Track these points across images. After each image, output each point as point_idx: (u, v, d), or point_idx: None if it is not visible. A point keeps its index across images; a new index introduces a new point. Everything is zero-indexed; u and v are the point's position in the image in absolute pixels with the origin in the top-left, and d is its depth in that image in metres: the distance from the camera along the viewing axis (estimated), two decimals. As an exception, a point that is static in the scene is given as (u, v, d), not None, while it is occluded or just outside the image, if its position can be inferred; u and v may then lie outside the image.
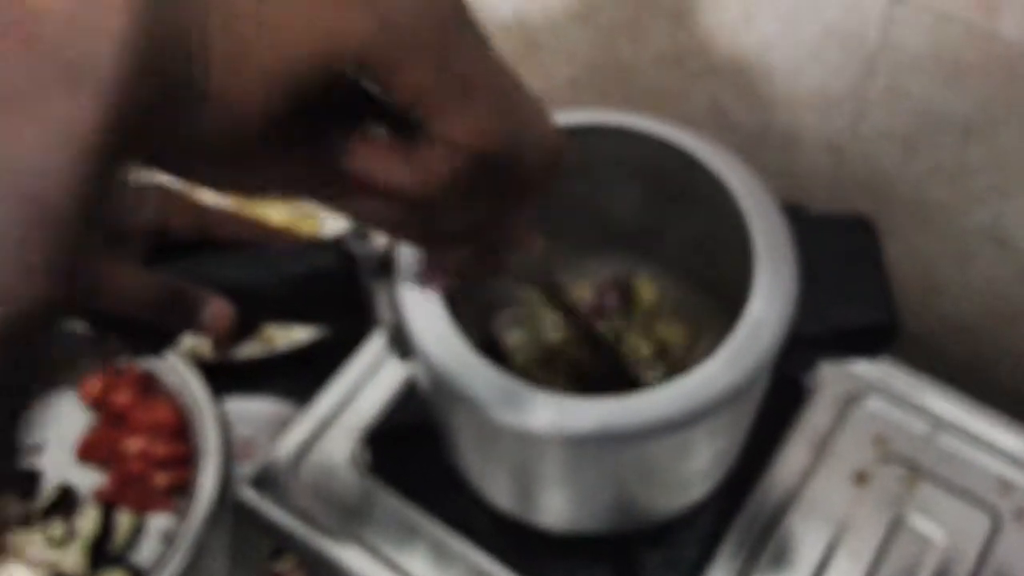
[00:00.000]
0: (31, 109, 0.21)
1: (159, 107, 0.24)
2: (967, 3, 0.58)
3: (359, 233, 0.50)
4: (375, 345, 0.71)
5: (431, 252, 0.34)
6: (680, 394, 0.46)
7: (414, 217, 0.32)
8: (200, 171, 0.30)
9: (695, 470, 0.55)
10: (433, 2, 0.27)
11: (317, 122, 0.29)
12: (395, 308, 0.50)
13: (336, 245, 0.50)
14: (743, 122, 0.75)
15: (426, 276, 0.36)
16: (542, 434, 0.46)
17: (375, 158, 0.29)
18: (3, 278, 0.21)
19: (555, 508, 0.57)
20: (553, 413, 0.46)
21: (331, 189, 0.32)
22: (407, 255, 0.50)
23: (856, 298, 0.50)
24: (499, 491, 0.58)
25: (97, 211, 0.23)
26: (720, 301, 0.59)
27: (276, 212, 0.90)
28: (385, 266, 0.50)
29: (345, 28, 0.25)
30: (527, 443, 0.49)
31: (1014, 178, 0.65)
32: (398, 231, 0.34)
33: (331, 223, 0.90)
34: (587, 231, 0.61)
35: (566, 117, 0.54)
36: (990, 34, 0.59)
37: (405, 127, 0.30)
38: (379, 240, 0.50)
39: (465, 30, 0.28)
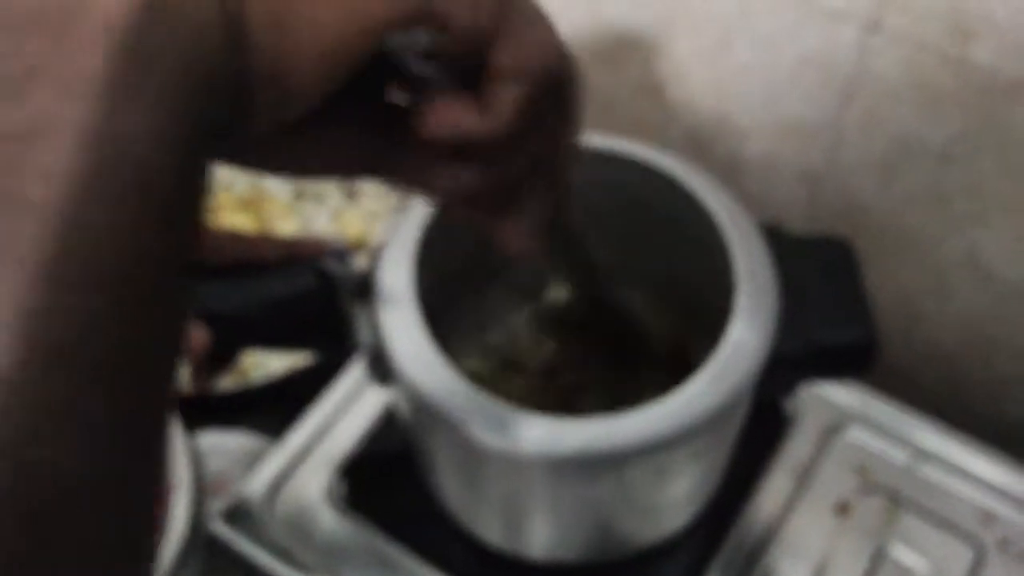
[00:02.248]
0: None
1: (209, 105, 0.24)
2: (942, 31, 0.59)
3: (338, 255, 0.49)
4: (350, 377, 0.70)
5: (513, 205, 0.34)
6: (664, 414, 0.46)
7: (489, 173, 0.32)
8: (263, 157, 0.30)
9: (678, 494, 0.55)
10: None
11: (372, 90, 0.30)
12: (375, 330, 0.49)
13: (314, 267, 0.50)
14: (720, 151, 0.76)
15: (512, 239, 0.35)
16: (527, 456, 0.45)
17: (451, 115, 0.30)
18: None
19: (538, 536, 0.56)
20: (538, 434, 0.45)
21: (398, 162, 0.32)
22: (387, 277, 0.50)
23: (836, 317, 0.50)
24: (481, 520, 0.57)
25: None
26: (697, 323, 0.59)
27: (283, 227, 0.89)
28: (365, 288, 0.50)
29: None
30: (512, 466, 0.48)
31: (991, 205, 0.66)
32: (475, 195, 0.33)
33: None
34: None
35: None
36: (965, 62, 0.60)
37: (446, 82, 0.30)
38: (358, 261, 0.50)
39: None
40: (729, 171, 0.76)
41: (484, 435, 0.45)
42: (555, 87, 0.30)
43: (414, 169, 0.32)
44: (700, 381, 0.47)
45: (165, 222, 0.22)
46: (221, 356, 0.52)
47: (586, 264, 0.54)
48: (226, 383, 0.78)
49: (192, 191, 0.24)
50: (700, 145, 0.76)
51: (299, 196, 0.92)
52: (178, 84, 0.22)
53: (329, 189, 0.91)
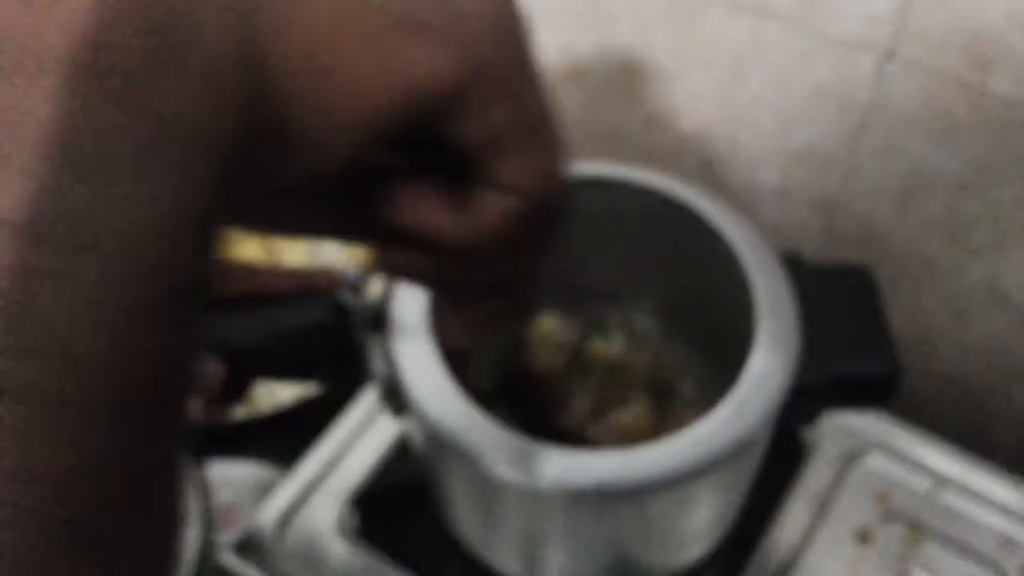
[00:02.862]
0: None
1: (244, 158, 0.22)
2: (958, 60, 0.59)
3: (353, 286, 0.49)
4: (362, 406, 0.70)
5: (460, 304, 0.33)
6: (685, 447, 0.45)
7: (450, 268, 0.29)
8: (254, 218, 0.28)
9: (698, 526, 0.54)
10: (509, 34, 0.25)
11: (376, 167, 0.27)
12: (390, 362, 0.49)
13: (329, 299, 0.49)
14: (734, 180, 0.75)
15: (452, 330, 0.33)
16: (545, 489, 0.45)
17: (426, 208, 0.27)
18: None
19: (555, 567, 0.55)
20: (556, 467, 0.45)
21: (368, 236, 0.30)
22: (402, 308, 0.49)
23: (858, 348, 0.50)
24: (496, 551, 0.57)
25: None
26: (714, 354, 0.58)
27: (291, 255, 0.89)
28: (379, 319, 0.49)
29: (433, 64, 0.23)
30: (529, 499, 0.47)
31: (1009, 233, 0.65)
32: (432, 283, 0.32)
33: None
34: (584, 283, 0.61)
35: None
36: (982, 91, 0.59)
37: (443, 175, 0.28)
38: (373, 293, 0.49)
39: (533, 64, 0.26)
40: (744, 200, 0.75)
41: (501, 468, 0.45)
42: (544, 215, 0.28)
43: (377, 242, 0.30)
44: (721, 413, 0.46)
45: (178, 325, 0.21)
46: (235, 388, 0.52)
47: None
48: (236, 412, 0.78)
49: (203, 278, 0.22)
50: (714, 174, 0.76)
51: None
52: (194, 159, 0.20)
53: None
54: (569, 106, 0.80)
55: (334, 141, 0.23)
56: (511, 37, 0.25)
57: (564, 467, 0.45)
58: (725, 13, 0.67)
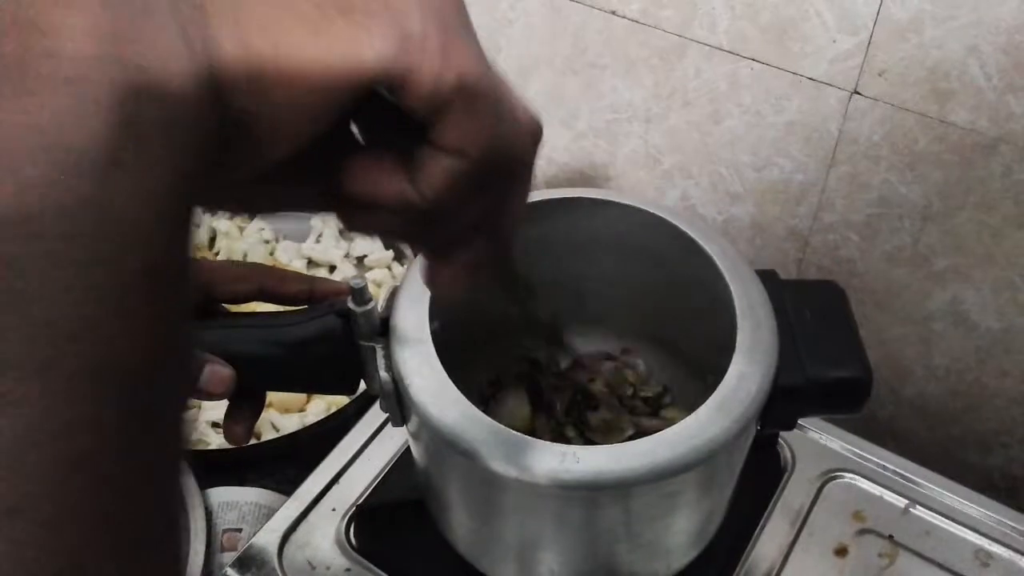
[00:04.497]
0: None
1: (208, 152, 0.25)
2: (919, 93, 0.63)
3: (358, 296, 0.52)
4: (360, 429, 0.72)
5: (440, 255, 0.36)
6: (672, 443, 0.48)
7: (418, 224, 0.32)
8: (228, 197, 0.32)
9: (682, 529, 0.56)
10: (438, 8, 0.27)
11: (330, 144, 0.30)
12: (393, 367, 0.51)
13: (334, 308, 0.52)
14: (712, 214, 0.79)
15: (439, 279, 0.36)
16: (540, 483, 0.47)
17: (377, 176, 0.30)
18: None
19: (548, 572, 0.57)
20: (550, 462, 0.47)
21: (334, 205, 0.32)
22: (403, 316, 0.52)
23: (832, 354, 0.53)
24: (492, 559, 0.59)
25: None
26: (699, 366, 0.62)
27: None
28: (383, 327, 0.52)
29: (372, 43, 0.26)
30: (524, 495, 0.50)
31: (972, 260, 0.69)
32: (405, 238, 0.35)
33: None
34: (567, 301, 0.64)
35: (552, 193, 0.58)
36: (943, 122, 0.64)
37: (390, 140, 0.31)
38: (377, 302, 0.52)
39: (467, 32, 0.29)
40: (721, 232, 0.79)
41: (498, 464, 0.47)
42: (498, 169, 0.30)
43: (344, 210, 0.33)
44: (705, 412, 0.49)
45: (165, 296, 0.24)
46: (248, 398, 0.54)
47: (535, 310, 0.57)
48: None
49: (182, 240, 0.24)
50: (692, 209, 0.80)
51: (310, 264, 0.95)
52: (164, 145, 0.23)
53: (337, 259, 0.95)
54: (556, 149, 0.84)
55: (294, 122, 0.26)
56: (443, 11, 0.28)
57: (556, 461, 0.47)
58: (703, 56, 0.72)
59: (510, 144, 0.30)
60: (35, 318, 0.20)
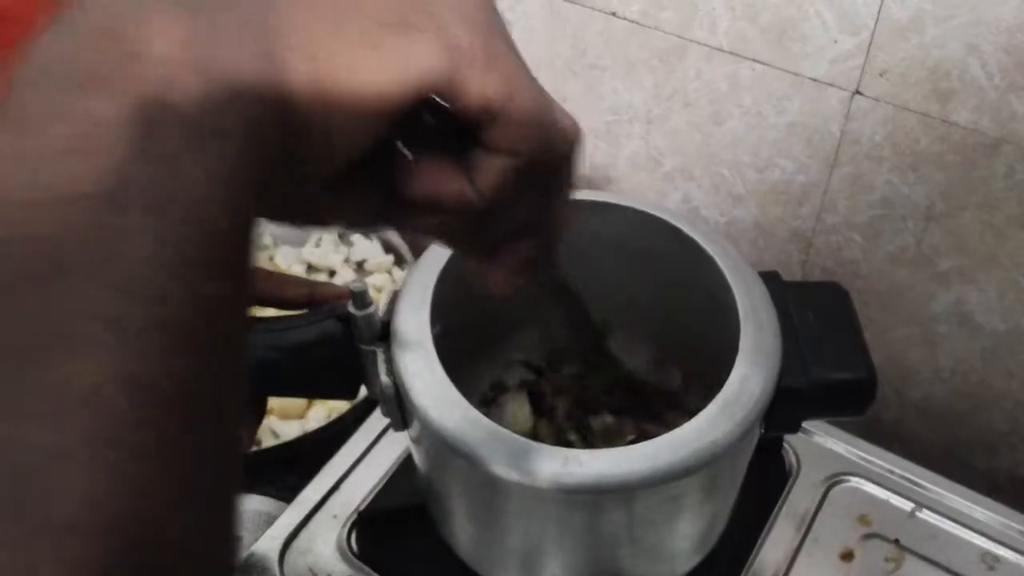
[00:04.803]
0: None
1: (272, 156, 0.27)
2: (920, 93, 0.63)
3: (358, 300, 0.51)
4: (363, 433, 0.72)
5: (492, 255, 0.37)
6: (674, 445, 0.48)
7: (471, 226, 0.35)
8: (286, 209, 0.33)
9: (687, 534, 0.56)
10: (480, 20, 0.30)
11: (386, 152, 0.33)
12: (394, 371, 0.51)
13: (334, 312, 0.52)
14: (714, 216, 0.79)
15: (493, 278, 0.38)
16: (542, 487, 0.47)
17: (436, 179, 0.32)
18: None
19: (550, 577, 0.57)
20: (552, 465, 0.47)
21: (393, 214, 0.35)
22: (404, 320, 0.52)
23: (836, 355, 0.53)
24: (495, 565, 0.58)
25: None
26: (704, 370, 0.61)
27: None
28: (384, 331, 0.52)
29: (423, 57, 0.28)
30: (526, 498, 0.49)
31: (976, 261, 0.69)
32: (459, 240, 0.37)
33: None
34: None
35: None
36: (945, 122, 0.63)
37: (445, 148, 0.33)
38: (378, 306, 0.52)
39: (507, 42, 0.31)
40: (724, 234, 0.79)
41: (499, 467, 0.47)
42: (545, 165, 0.33)
43: (402, 218, 0.35)
44: (708, 415, 0.49)
45: (230, 275, 0.26)
46: (247, 403, 0.54)
47: (580, 312, 0.57)
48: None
49: (248, 244, 0.27)
50: (695, 211, 0.80)
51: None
52: (238, 150, 0.25)
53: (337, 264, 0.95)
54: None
55: (352, 132, 0.28)
56: (486, 23, 0.30)
57: (558, 464, 0.47)
58: (703, 58, 0.71)
59: (554, 142, 0.32)
60: (109, 282, 0.23)
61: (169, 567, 0.24)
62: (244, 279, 0.27)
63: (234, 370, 0.27)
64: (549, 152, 0.32)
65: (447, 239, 0.38)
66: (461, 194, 0.32)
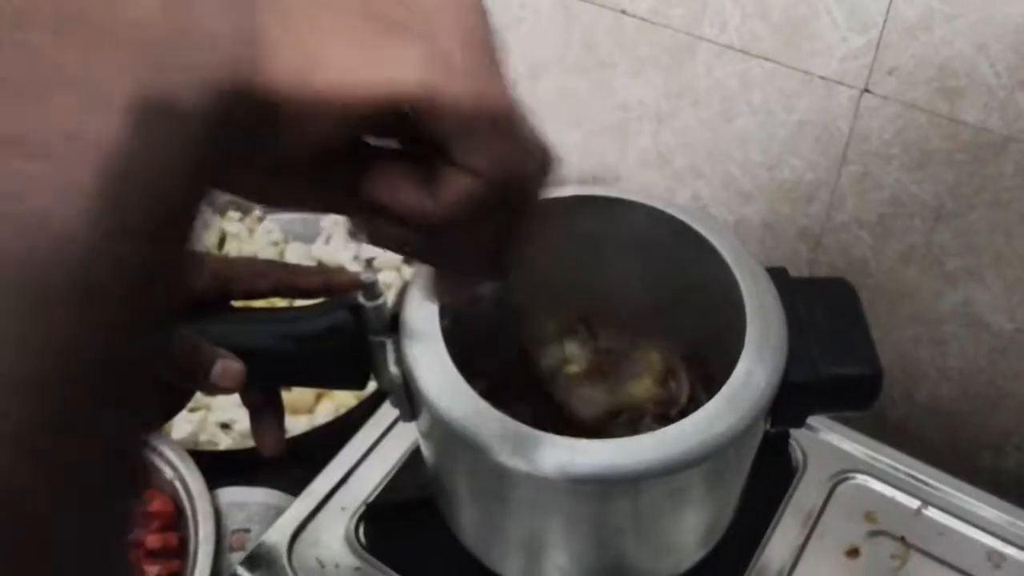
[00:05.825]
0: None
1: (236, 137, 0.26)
2: (929, 92, 0.63)
3: (369, 291, 0.52)
4: (370, 428, 0.73)
5: (443, 269, 0.37)
6: (680, 436, 0.48)
7: (427, 239, 0.33)
8: (249, 187, 0.32)
9: (692, 527, 0.56)
10: (473, 31, 0.29)
11: (356, 149, 0.32)
12: (403, 362, 0.51)
13: (347, 301, 0.52)
14: (723, 214, 0.79)
15: (441, 290, 0.38)
16: (549, 476, 0.47)
17: (397, 187, 0.31)
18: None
19: (556, 571, 0.57)
20: (559, 455, 0.47)
21: (350, 210, 0.34)
22: (414, 312, 0.52)
23: (842, 350, 0.53)
24: (501, 556, 0.59)
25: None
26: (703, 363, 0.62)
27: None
28: (393, 322, 0.52)
29: (405, 62, 0.27)
30: (533, 488, 0.50)
31: (984, 259, 0.69)
32: (411, 252, 0.36)
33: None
34: (580, 299, 0.64)
35: (562, 191, 0.58)
36: (953, 120, 0.64)
37: (415, 157, 0.32)
38: (388, 297, 0.53)
39: (493, 56, 0.30)
40: (733, 231, 0.79)
41: (507, 457, 0.48)
42: (510, 190, 0.31)
43: (358, 216, 0.34)
44: (714, 407, 0.49)
45: (166, 248, 0.25)
46: (264, 395, 0.55)
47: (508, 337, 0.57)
48: (247, 440, 0.80)
49: (192, 218, 0.26)
50: (705, 208, 0.80)
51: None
52: (205, 125, 0.24)
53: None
54: (566, 149, 0.84)
55: (320, 126, 0.27)
56: (475, 34, 0.29)
57: (565, 454, 0.47)
58: (713, 55, 0.72)
59: (523, 171, 0.31)
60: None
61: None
62: (179, 255, 0.26)
63: (150, 345, 0.26)
64: (517, 178, 0.31)
65: (398, 247, 0.35)
66: (419, 205, 0.31)
